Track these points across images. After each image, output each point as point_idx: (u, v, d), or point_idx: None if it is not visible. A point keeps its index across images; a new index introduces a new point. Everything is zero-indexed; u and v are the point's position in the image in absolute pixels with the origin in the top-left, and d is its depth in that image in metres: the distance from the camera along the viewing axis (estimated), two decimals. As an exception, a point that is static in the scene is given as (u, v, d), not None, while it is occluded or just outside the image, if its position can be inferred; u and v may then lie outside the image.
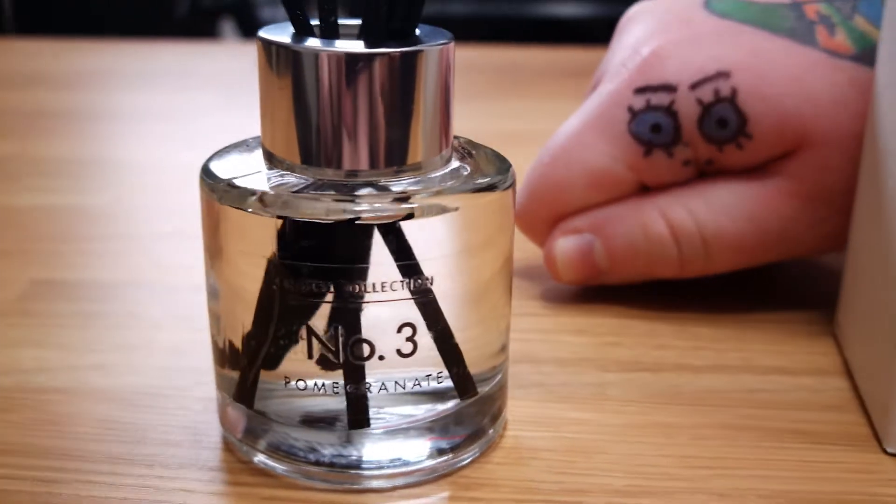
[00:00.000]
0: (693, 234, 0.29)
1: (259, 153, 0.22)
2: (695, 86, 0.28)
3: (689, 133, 0.28)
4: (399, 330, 0.20)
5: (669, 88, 0.28)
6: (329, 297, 0.20)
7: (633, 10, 0.32)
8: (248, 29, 1.31)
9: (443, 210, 0.20)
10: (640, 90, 0.28)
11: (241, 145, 0.23)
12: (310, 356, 0.20)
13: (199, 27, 1.35)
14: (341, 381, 0.21)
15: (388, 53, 0.20)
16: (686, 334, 0.29)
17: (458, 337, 0.21)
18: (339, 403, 0.21)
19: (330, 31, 0.21)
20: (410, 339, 0.20)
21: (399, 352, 0.20)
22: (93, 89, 0.62)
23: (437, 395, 0.22)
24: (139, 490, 0.21)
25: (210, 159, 0.22)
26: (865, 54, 0.28)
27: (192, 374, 0.26)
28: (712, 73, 0.28)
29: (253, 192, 0.20)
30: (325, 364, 0.20)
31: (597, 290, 0.31)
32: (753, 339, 0.29)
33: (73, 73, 0.66)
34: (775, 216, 0.29)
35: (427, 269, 0.20)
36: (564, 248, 0.30)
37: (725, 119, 0.28)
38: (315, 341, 0.20)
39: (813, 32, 0.28)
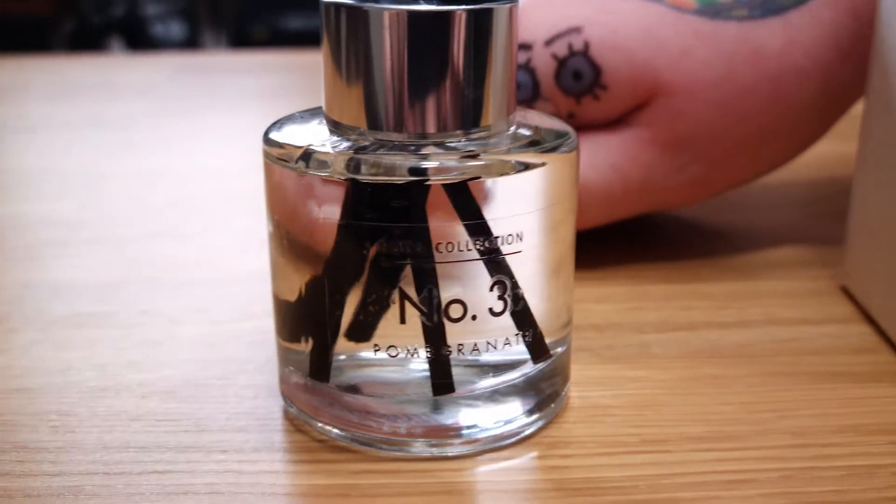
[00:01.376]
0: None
1: (314, 123, 0.22)
2: (549, 42, 0.29)
3: (547, 88, 0.30)
4: (491, 288, 0.20)
5: (525, 47, 0.30)
6: (420, 258, 0.20)
7: None
8: (138, 45, 1.28)
9: (514, 168, 0.20)
10: None
11: (292, 118, 0.23)
12: (402, 321, 0.20)
13: (85, 44, 1.30)
14: (425, 347, 0.20)
15: (460, 11, 0.20)
16: (702, 295, 0.30)
17: (541, 298, 0.21)
18: (419, 371, 0.21)
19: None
20: (502, 297, 0.20)
21: (491, 311, 0.20)
22: (8, 103, 0.59)
23: (515, 359, 0.22)
24: (221, 475, 0.21)
25: (269, 131, 0.22)
26: (706, 9, 0.30)
27: (227, 363, 0.25)
28: (565, 29, 0.29)
29: (330, 159, 0.20)
30: (415, 328, 0.20)
31: (603, 260, 0.32)
32: (767, 295, 0.30)
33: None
34: (636, 164, 0.30)
35: (497, 229, 0.20)
36: None
37: (580, 71, 0.29)
38: (408, 305, 0.20)
39: None
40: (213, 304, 0.29)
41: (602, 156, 0.30)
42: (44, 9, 1.45)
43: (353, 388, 0.21)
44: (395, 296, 0.20)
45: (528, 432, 0.22)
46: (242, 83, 0.65)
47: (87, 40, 1.24)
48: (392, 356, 0.20)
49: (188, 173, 0.44)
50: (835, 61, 0.30)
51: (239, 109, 0.58)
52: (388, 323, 0.20)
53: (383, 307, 0.20)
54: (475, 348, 0.21)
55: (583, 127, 0.30)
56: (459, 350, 0.20)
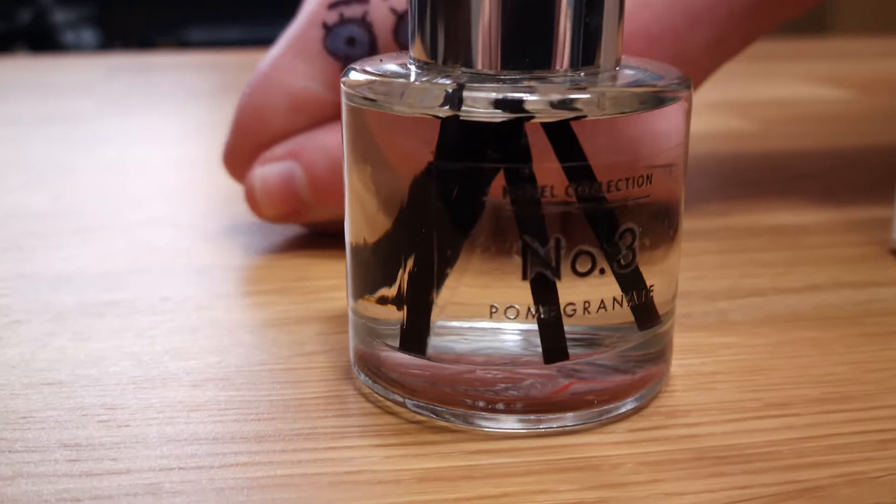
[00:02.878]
0: None
1: (396, 65, 0.19)
2: None
3: (385, 44, 0.27)
4: (620, 236, 0.18)
5: (361, 0, 0.27)
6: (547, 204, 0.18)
7: None
8: (44, 53, 1.22)
9: (635, 106, 0.18)
10: (334, 5, 0.28)
11: (371, 60, 0.20)
12: (524, 276, 0.18)
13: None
14: (544, 306, 0.18)
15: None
16: (759, 263, 0.28)
17: (654, 260, 0.19)
18: (523, 337, 0.19)
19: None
20: (630, 247, 0.18)
21: (619, 263, 0.18)
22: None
23: (621, 326, 0.19)
24: (318, 465, 0.18)
25: (348, 72, 0.19)
26: None
27: (280, 347, 0.23)
28: None
29: (434, 92, 0.18)
30: (535, 284, 0.18)
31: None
32: (824, 261, 0.29)
33: None
34: None
35: (606, 175, 0.18)
36: (263, 178, 0.28)
37: None
38: (530, 257, 0.18)
39: None
40: (237, 288, 0.27)
41: None
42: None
43: (456, 359, 0.19)
44: (518, 248, 0.18)
45: (641, 403, 0.20)
46: (183, 80, 0.62)
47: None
48: (510, 318, 0.18)
49: (160, 164, 0.41)
50: (684, 27, 0.29)
51: (185, 106, 0.55)
52: (507, 280, 0.18)
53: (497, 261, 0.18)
54: (602, 305, 0.18)
55: None
56: (586, 309, 0.18)
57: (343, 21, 0.27)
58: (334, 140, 0.27)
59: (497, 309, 0.18)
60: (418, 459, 0.18)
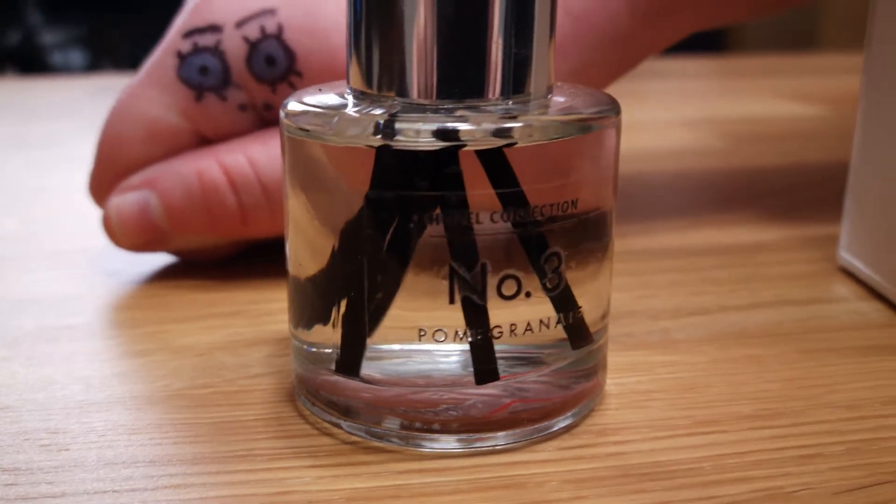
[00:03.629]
0: (251, 180, 0.27)
1: (333, 95, 0.20)
2: (240, 23, 0.27)
3: (238, 73, 0.27)
4: (546, 260, 0.19)
5: (215, 28, 0.28)
6: (470, 231, 0.18)
7: None
8: (33, 73, 1.22)
9: (560, 133, 0.19)
10: (188, 34, 0.28)
11: (306, 92, 0.21)
12: (451, 300, 0.18)
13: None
14: (472, 329, 0.19)
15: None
16: (709, 281, 0.29)
17: (583, 281, 0.20)
18: (456, 358, 0.19)
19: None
20: (556, 270, 0.19)
21: (545, 286, 0.19)
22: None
23: (553, 346, 0.20)
24: (251, 485, 0.18)
25: (287, 103, 0.20)
26: None
27: (226, 370, 0.23)
28: (257, 11, 0.27)
29: (366, 123, 0.18)
30: (465, 308, 0.18)
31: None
32: (773, 278, 0.29)
33: None
34: None
35: (536, 200, 0.19)
36: (119, 207, 0.28)
37: (273, 56, 0.27)
38: (456, 282, 0.18)
39: None
40: (190, 311, 0.27)
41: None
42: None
43: (384, 382, 0.19)
44: (445, 273, 0.18)
45: (573, 421, 0.20)
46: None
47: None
48: (439, 341, 0.19)
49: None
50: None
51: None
52: (436, 304, 0.18)
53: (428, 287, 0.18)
54: (528, 328, 0.19)
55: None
56: (512, 331, 0.19)
57: (196, 50, 0.27)
58: (189, 168, 0.27)
59: (426, 332, 0.19)
60: (349, 479, 0.19)
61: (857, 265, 0.29)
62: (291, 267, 0.20)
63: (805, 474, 0.19)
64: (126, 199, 0.28)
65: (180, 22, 0.28)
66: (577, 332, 0.20)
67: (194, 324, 0.26)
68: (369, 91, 0.19)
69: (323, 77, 0.27)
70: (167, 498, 0.18)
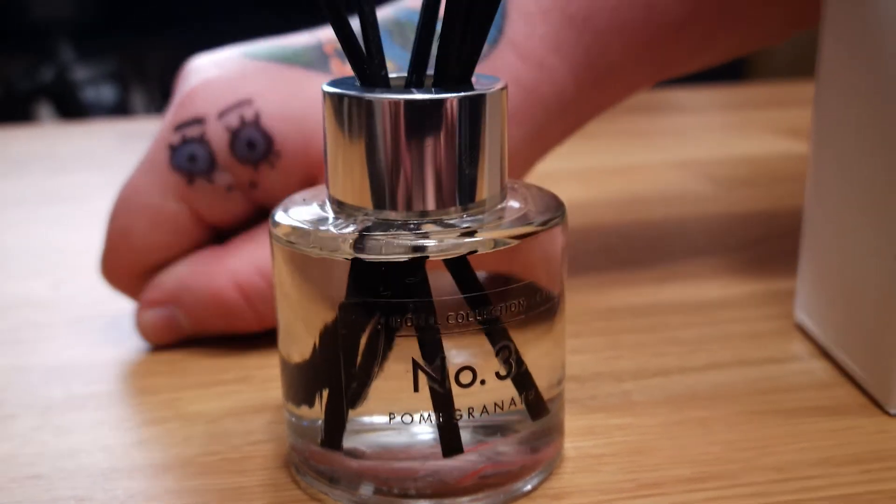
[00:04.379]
0: (263, 291, 0.31)
1: (316, 206, 0.23)
2: (221, 114, 0.31)
3: (223, 158, 0.31)
4: (497, 354, 0.22)
5: (199, 121, 0.31)
6: (431, 330, 0.21)
7: (185, 66, 0.34)
8: (68, 110, 1.27)
9: (508, 243, 0.22)
10: (178, 127, 0.31)
11: (292, 202, 0.24)
12: (416, 389, 0.21)
13: (11, 113, 1.29)
14: (436, 413, 0.22)
15: (455, 98, 0.21)
16: (672, 341, 0.32)
17: (534, 360, 0.23)
18: (428, 433, 0.22)
19: (383, 82, 0.22)
20: (508, 360, 0.22)
21: (497, 374, 0.22)
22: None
23: (515, 419, 0.23)
24: (246, 549, 0.21)
25: (275, 213, 0.23)
26: None
27: (234, 437, 0.26)
28: (235, 102, 0.31)
29: (341, 238, 0.21)
30: (429, 395, 0.21)
31: (575, 312, 0.34)
32: (732, 338, 0.32)
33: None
34: None
35: (499, 299, 0.22)
36: (150, 321, 0.32)
37: (253, 141, 0.31)
38: (420, 374, 0.21)
39: (328, 63, 0.32)
40: (212, 377, 0.30)
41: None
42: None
43: (366, 454, 0.22)
44: (409, 366, 0.21)
45: (530, 486, 0.23)
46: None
47: (14, 107, 1.23)
48: (406, 423, 0.22)
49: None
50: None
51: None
52: (402, 391, 0.21)
53: (396, 377, 0.21)
54: (484, 410, 0.22)
55: (270, 197, 0.32)
56: (470, 413, 0.22)
57: (185, 141, 0.31)
58: (207, 289, 0.31)
59: (395, 415, 0.22)
60: (332, 543, 0.22)
61: (809, 324, 0.31)
62: (282, 350, 0.24)
63: (727, 535, 0.21)
64: (155, 314, 0.32)
65: (169, 116, 0.32)
66: (537, 407, 0.23)
67: (206, 390, 0.29)
68: (346, 203, 0.22)
69: (299, 155, 0.31)
70: (176, 561, 0.21)
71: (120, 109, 1.29)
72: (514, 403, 0.22)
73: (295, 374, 0.23)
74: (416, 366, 0.21)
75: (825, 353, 0.30)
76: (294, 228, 0.22)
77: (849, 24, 0.28)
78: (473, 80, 0.23)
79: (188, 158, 0.31)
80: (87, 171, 0.60)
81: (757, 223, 0.44)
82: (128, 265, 0.32)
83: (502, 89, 0.22)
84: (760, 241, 0.42)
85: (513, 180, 0.25)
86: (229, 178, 0.31)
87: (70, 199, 0.53)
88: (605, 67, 0.33)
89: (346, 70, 0.31)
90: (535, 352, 0.23)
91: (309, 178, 0.31)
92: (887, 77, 0.26)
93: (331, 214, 0.23)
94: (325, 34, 0.33)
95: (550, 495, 0.23)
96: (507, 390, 0.22)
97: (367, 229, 0.22)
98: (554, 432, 0.24)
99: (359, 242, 0.21)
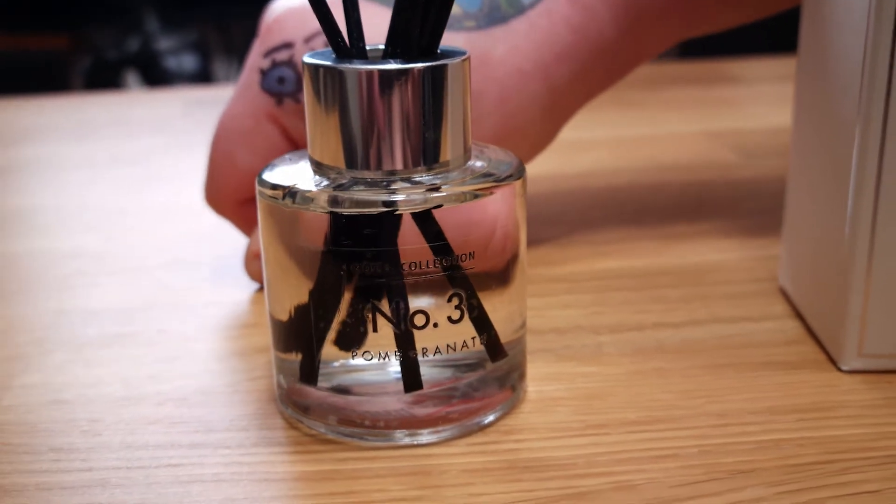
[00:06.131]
0: None
1: (302, 164, 0.26)
2: (309, 39, 0.33)
3: None
4: (449, 300, 0.24)
5: (288, 45, 0.34)
6: (384, 277, 0.24)
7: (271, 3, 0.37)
8: (153, 79, 1.33)
9: (469, 198, 0.24)
10: (267, 53, 0.34)
11: (284, 160, 0.26)
12: (374, 330, 0.24)
13: (101, 81, 1.36)
14: (396, 351, 0.24)
15: (419, 68, 0.24)
16: (658, 299, 0.33)
17: (494, 306, 0.25)
18: (393, 371, 0.25)
19: (360, 54, 0.25)
20: (458, 307, 0.24)
21: (450, 318, 0.24)
22: (37, 143, 0.64)
23: (474, 360, 0.25)
24: (226, 466, 0.24)
25: (263, 173, 0.26)
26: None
27: (235, 373, 0.29)
28: (320, 28, 0.33)
29: (314, 194, 0.24)
30: (384, 337, 0.24)
31: (572, 270, 0.36)
32: (715, 297, 0.33)
33: (8, 131, 0.67)
34: None
35: (460, 249, 0.24)
36: (258, 270, 0.35)
37: None
38: (379, 316, 0.24)
39: None
40: (225, 321, 0.33)
41: None
42: (61, 45, 1.51)
43: (338, 389, 0.25)
44: (369, 309, 0.24)
45: (488, 421, 0.26)
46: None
47: (104, 75, 1.30)
48: (367, 360, 0.24)
49: (202, 206, 0.48)
50: (552, 63, 0.34)
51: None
52: (362, 333, 0.24)
53: (357, 320, 0.24)
54: (437, 350, 0.24)
55: None
56: (424, 353, 0.24)
57: (274, 64, 0.34)
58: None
59: (356, 353, 0.24)
60: (299, 464, 0.24)
61: (788, 287, 0.33)
62: (268, 301, 0.26)
63: (655, 471, 0.23)
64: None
65: (258, 44, 0.35)
66: (494, 350, 0.25)
67: (223, 332, 0.32)
68: (322, 162, 0.25)
69: None
70: (165, 474, 0.24)
71: (202, 77, 1.34)
72: (467, 346, 0.25)
73: (277, 322, 0.26)
74: (374, 308, 0.24)
75: (799, 315, 0.31)
76: (276, 185, 0.25)
77: (817, 3, 0.29)
78: (439, 51, 0.25)
79: (277, 80, 0.34)
80: (152, 136, 0.64)
81: (774, 192, 0.45)
82: (229, 191, 0.36)
83: (464, 60, 0.24)
84: (772, 209, 0.43)
85: (480, 143, 0.27)
86: None
87: (132, 162, 0.57)
88: (640, 14, 0.35)
89: None
90: (495, 299, 0.25)
91: None
92: (837, 62, 0.27)
93: (311, 173, 0.25)
94: None
95: (503, 431, 0.25)
96: (466, 332, 0.25)
97: (341, 186, 0.24)
98: (513, 374, 0.26)
99: (332, 198, 0.24)
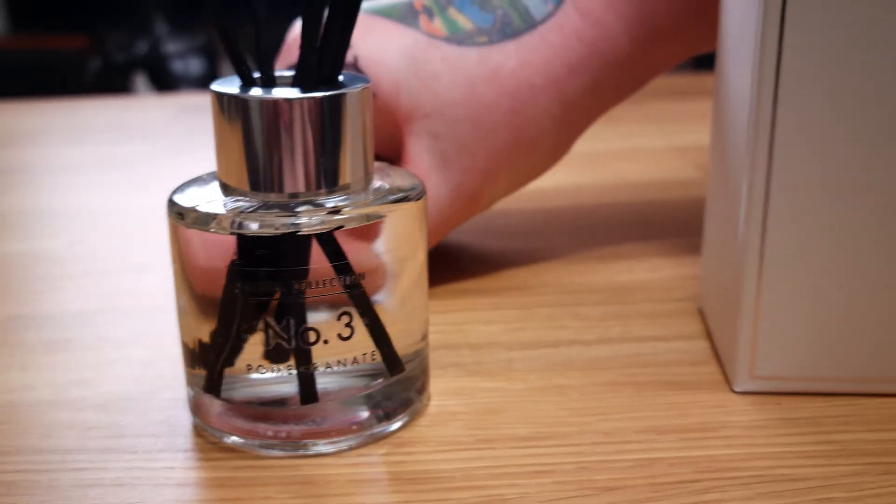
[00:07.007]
0: None
1: (214, 185, 0.27)
2: None
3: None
4: (339, 318, 0.25)
5: None
6: (280, 295, 0.25)
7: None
8: (160, 81, 1.35)
9: (368, 219, 0.25)
10: (288, 69, 0.35)
11: (198, 181, 0.28)
12: (267, 346, 0.25)
13: (111, 83, 1.38)
14: (294, 366, 0.25)
15: (318, 97, 0.25)
16: (578, 316, 0.34)
17: (388, 323, 0.26)
18: (292, 385, 0.26)
19: (268, 82, 0.26)
20: (348, 325, 0.25)
21: (339, 336, 0.25)
22: (31, 146, 0.66)
23: (371, 373, 0.26)
24: (128, 471, 0.26)
25: (174, 193, 0.27)
26: (453, 37, 0.36)
27: (159, 380, 0.31)
28: None
29: (214, 216, 0.25)
30: (280, 352, 0.25)
31: (500, 289, 0.37)
32: (634, 316, 0.34)
33: (5, 134, 0.69)
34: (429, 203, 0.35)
35: (359, 267, 0.25)
36: None
37: None
38: (271, 333, 0.25)
39: (417, 19, 0.36)
40: (162, 327, 0.35)
41: None
42: (80, 44, 1.55)
43: (238, 401, 0.26)
44: (261, 326, 0.25)
45: (384, 432, 0.27)
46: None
47: (113, 77, 1.33)
48: (262, 374, 0.26)
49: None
50: (564, 76, 0.35)
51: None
52: (259, 348, 0.25)
53: (250, 335, 0.25)
54: (332, 365, 0.26)
55: None
56: (321, 367, 0.25)
57: None
58: None
59: (252, 367, 0.26)
60: (196, 470, 0.26)
61: (703, 306, 0.33)
62: (178, 321, 0.28)
63: (529, 485, 0.24)
64: None
65: (279, 62, 0.36)
66: (391, 363, 0.27)
67: (158, 339, 0.34)
68: (230, 185, 0.26)
69: (391, 97, 0.35)
70: (69, 478, 0.25)
71: (209, 81, 1.36)
72: (361, 360, 0.26)
73: (185, 340, 0.27)
74: (267, 326, 0.25)
75: (710, 335, 0.32)
76: (184, 207, 0.26)
77: (723, 33, 0.30)
78: (341, 78, 0.26)
79: None
80: (142, 141, 0.66)
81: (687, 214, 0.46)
82: None
83: (363, 89, 0.26)
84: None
85: (386, 166, 0.28)
86: None
87: (117, 167, 0.59)
88: (652, 29, 0.36)
89: (433, 25, 0.36)
90: (394, 314, 0.26)
91: (397, 120, 0.35)
92: (734, 91, 0.28)
93: (220, 195, 0.26)
94: None
95: (396, 443, 0.27)
96: (359, 347, 0.26)
97: (245, 208, 0.25)
98: (412, 387, 0.27)
99: (233, 219, 0.25)
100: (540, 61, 0.35)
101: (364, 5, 0.37)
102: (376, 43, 0.35)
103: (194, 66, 1.33)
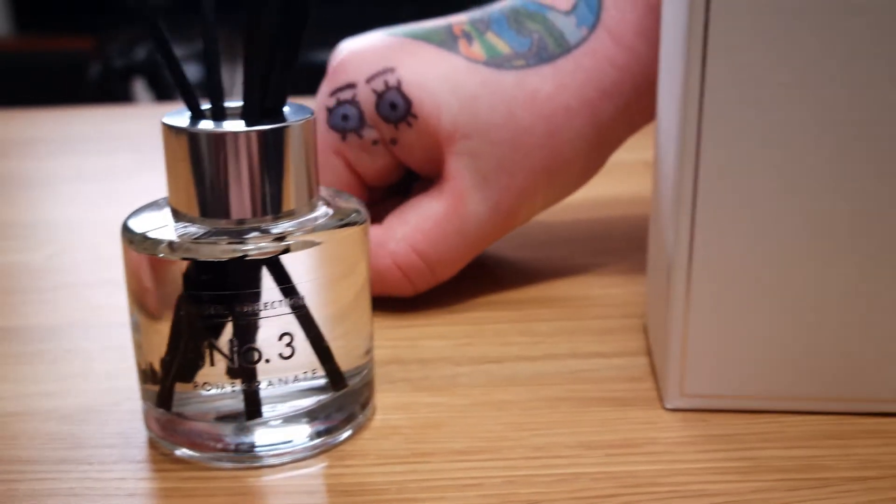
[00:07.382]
0: (422, 269, 0.37)
1: (167, 210, 0.28)
2: (369, 79, 0.37)
3: (370, 116, 0.37)
4: (280, 338, 0.27)
5: (352, 86, 0.37)
6: (225, 317, 0.26)
7: (338, 46, 0.41)
8: (161, 88, 1.37)
9: (312, 244, 0.27)
10: (333, 92, 0.38)
11: (153, 205, 0.29)
12: (211, 364, 0.27)
13: (111, 89, 1.40)
14: (239, 383, 0.27)
15: (261, 130, 0.26)
16: (527, 332, 0.36)
17: (335, 336, 0.28)
18: (237, 401, 0.27)
19: (219, 113, 0.27)
20: (289, 345, 0.27)
21: (280, 355, 0.27)
22: (20, 157, 0.67)
23: (315, 389, 0.28)
24: (82, 481, 0.27)
25: (129, 217, 0.28)
26: (491, 61, 0.37)
27: (121, 392, 0.32)
28: (382, 69, 0.37)
29: (163, 241, 0.27)
30: (228, 371, 0.27)
31: (457, 304, 0.38)
32: (582, 332, 0.36)
33: (-2, 142, 0.71)
34: (466, 219, 0.37)
35: (302, 290, 0.27)
36: None
37: (395, 103, 0.36)
38: (216, 353, 0.26)
39: (457, 43, 0.37)
40: (127, 342, 0.36)
41: (444, 226, 0.37)
42: (85, 46, 1.57)
43: (188, 416, 0.28)
44: (206, 346, 0.26)
45: (323, 448, 0.28)
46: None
47: (113, 84, 1.34)
48: (207, 391, 0.27)
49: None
50: (597, 100, 0.37)
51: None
52: (204, 367, 0.27)
53: (197, 355, 0.27)
54: (275, 382, 0.27)
55: (404, 151, 0.37)
56: (265, 384, 0.27)
57: (339, 103, 0.37)
58: (373, 262, 0.37)
59: (198, 384, 0.27)
60: (146, 482, 0.27)
61: (647, 323, 0.35)
62: (133, 340, 0.29)
63: (456, 499, 0.26)
64: None
65: (326, 84, 0.38)
66: (335, 379, 0.28)
67: (124, 352, 0.35)
68: (180, 211, 0.27)
69: (432, 120, 0.36)
70: (26, 487, 0.27)
71: (207, 87, 1.38)
72: (302, 378, 0.27)
73: (138, 355, 0.29)
74: (211, 345, 0.26)
75: (650, 352, 0.34)
76: (135, 232, 0.28)
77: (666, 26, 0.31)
78: (286, 110, 0.28)
79: (342, 118, 0.37)
80: (125, 152, 0.67)
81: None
82: None
83: (306, 121, 0.27)
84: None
85: (331, 191, 0.30)
86: (374, 134, 0.37)
87: (96, 178, 0.60)
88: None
89: (472, 50, 0.37)
90: (336, 331, 0.28)
91: (438, 141, 0.37)
92: (667, 118, 0.29)
93: (171, 220, 0.28)
94: (456, 19, 0.39)
95: (337, 456, 0.28)
96: (301, 365, 0.27)
97: (193, 233, 0.27)
98: (355, 402, 0.29)
99: (179, 244, 0.26)
100: (574, 85, 0.37)
101: (404, 29, 0.39)
102: (419, 67, 0.37)
103: (191, 72, 1.34)
